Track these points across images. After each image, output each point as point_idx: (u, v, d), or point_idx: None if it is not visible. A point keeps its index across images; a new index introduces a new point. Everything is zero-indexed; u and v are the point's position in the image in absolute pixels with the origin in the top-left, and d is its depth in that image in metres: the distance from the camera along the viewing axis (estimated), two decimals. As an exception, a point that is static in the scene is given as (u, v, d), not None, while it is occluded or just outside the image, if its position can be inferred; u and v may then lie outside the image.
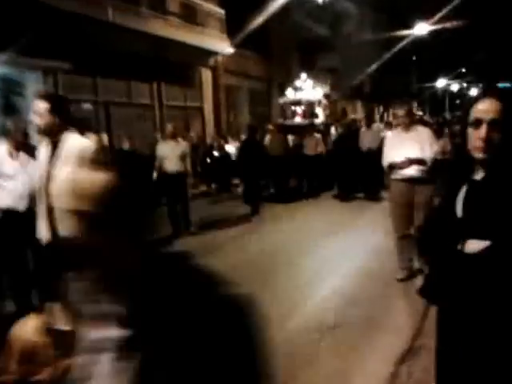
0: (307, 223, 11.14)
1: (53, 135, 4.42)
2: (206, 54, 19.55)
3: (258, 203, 12.49)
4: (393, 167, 6.65)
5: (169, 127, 10.68)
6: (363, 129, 14.49)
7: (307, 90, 21.20)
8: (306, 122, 19.38)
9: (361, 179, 14.12)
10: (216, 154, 16.77)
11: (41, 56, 12.47)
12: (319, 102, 21.22)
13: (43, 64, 12.74)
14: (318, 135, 15.85)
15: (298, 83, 21.52)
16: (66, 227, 1.58)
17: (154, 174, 10.27)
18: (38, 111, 4.36)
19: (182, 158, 10.13)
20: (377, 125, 16.71)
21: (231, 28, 20.57)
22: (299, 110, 20.66)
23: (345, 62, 31.46)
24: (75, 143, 4.33)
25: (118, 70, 15.21)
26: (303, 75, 21.72)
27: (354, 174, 14.04)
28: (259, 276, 7.10)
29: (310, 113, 20.37)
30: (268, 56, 24.83)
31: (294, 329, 5.46)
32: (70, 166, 3.41)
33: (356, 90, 34.11)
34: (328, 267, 7.71)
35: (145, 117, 16.81)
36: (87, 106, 14.79)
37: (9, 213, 5.87)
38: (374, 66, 32.97)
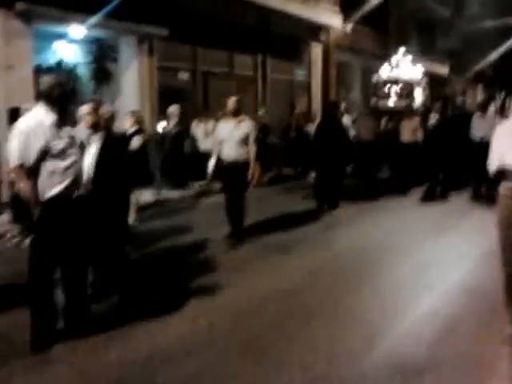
0: (395, 225, 9.25)
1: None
2: (317, 29, 18.38)
3: (334, 197, 10.50)
4: (503, 174, 4.47)
5: (231, 102, 7.88)
6: (477, 114, 12.08)
7: (405, 67, 18.67)
8: (403, 103, 17.21)
9: (466, 175, 12.12)
10: (292, 134, 15.11)
11: (136, 21, 11.90)
12: (419, 82, 18.59)
13: (138, 29, 12.14)
14: (416, 119, 13.55)
15: (394, 59, 18.81)
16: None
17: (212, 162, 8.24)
18: None
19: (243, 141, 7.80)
20: (492, 110, 13.97)
21: (346, 2, 19.23)
22: (395, 89, 18.16)
23: (466, 46, 29.44)
24: None
25: (220, 39, 14.43)
26: (401, 49, 18.99)
27: (458, 168, 12.03)
28: (331, 291, 5.94)
29: (407, 93, 17.96)
30: (385, 34, 23.30)
31: (371, 366, 4.15)
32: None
33: (477, 74, 32.13)
34: (420, 281, 6.25)
35: (246, 90, 15.88)
36: (184, 74, 14.07)
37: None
38: (497, 51, 30.64)
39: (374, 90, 18.66)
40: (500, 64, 32.24)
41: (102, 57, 12.94)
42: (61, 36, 11.82)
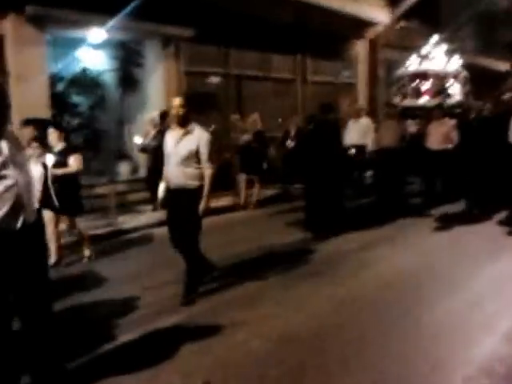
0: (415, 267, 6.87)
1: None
2: (361, 25, 17.00)
3: (327, 222, 8.64)
4: None
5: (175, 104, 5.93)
6: None
7: (438, 58, 15.23)
8: (434, 102, 13.70)
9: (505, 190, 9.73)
10: (290, 144, 11.92)
11: (160, 21, 11.01)
12: (456, 76, 15.18)
13: (163, 30, 11.23)
14: (449, 121, 11.20)
15: (425, 49, 15.41)
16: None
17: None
18: None
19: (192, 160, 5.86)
20: None
21: (394, -4, 17.79)
22: (425, 85, 14.81)
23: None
24: None
25: (253, 39, 13.32)
26: (434, 38, 15.67)
27: (494, 181, 9.80)
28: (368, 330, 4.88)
29: (440, 89, 14.71)
30: (437, 28, 21.79)
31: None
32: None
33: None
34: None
35: (284, 93, 14.77)
36: (215, 79, 13.05)
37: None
38: None
39: (399, 86, 15.61)
40: None
41: (127, 62, 12.13)
42: (80, 41, 11.03)
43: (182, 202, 5.68)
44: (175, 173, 5.70)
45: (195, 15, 11.51)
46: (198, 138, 5.69)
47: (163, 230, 6.76)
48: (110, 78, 12.51)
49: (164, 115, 10.22)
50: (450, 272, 6.46)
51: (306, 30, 14.72)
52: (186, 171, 5.65)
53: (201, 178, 5.68)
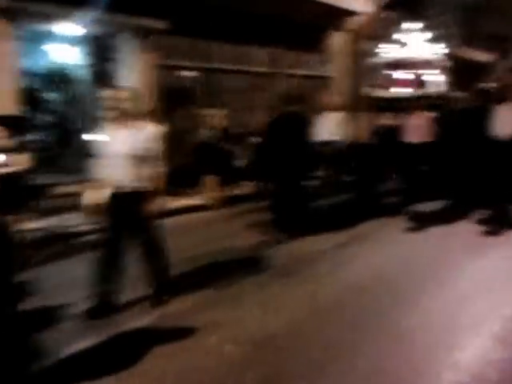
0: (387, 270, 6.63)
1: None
2: (341, 15, 16.64)
3: (292, 222, 8.26)
4: None
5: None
6: (502, 105, 8.95)
7: (418, 46, 14.23)
8: (413, 93, 13.17)
9: (486, 185, 9.33)
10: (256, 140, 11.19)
11: (134, 14, 10.69)
12: (437, 65, 14.52)
13: (136, 23, 10.93)
14: (427, 114, 10.67)
15: (403, 36, 14.50)
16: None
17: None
18: None
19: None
20: None
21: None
22: (403, 75, 14.04)
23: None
24: None
25: (230, 31, 13.07)
26: (414, 25, 14.76)
27: (474, 176, 9.47)
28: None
29: (419, 79, 13.97)
30: (420, 18, 21.62)
31: None
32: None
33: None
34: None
35: (262, 87, 14.48)
36: (190, 73, 12.73)
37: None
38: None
39: (375, 76, 14.73)
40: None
41: (100, 57, 11.81)
42: (52, 36, 10.73)
43: (130, 207, 5.19)
44: (122, 175, 5.13)
45: (170, 7, 11.21)
46: (148, 134, 5.23)
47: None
48: (82, 73, 12.20)
49: None
50: (429, 272, 6.33)
51: (284, 22, 14.42)
52: (136, 172, 5.12)
53: (152, 179, 5.22)
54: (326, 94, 11.74)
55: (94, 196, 5.26)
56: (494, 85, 14.72)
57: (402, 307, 5.25)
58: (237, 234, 8.54)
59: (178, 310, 5.36)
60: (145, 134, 5.20)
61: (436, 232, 8.35)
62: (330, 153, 10.75)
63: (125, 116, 5.19)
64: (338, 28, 17.00)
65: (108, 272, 5.24)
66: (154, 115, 10.23)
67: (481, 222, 8.72)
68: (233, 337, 4.67)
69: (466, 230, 8.40)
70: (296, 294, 5.74)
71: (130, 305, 5.44)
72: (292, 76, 15.56)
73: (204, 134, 10.85)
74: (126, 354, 4.44)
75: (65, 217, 8.99)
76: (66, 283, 6.10)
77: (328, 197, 10.79)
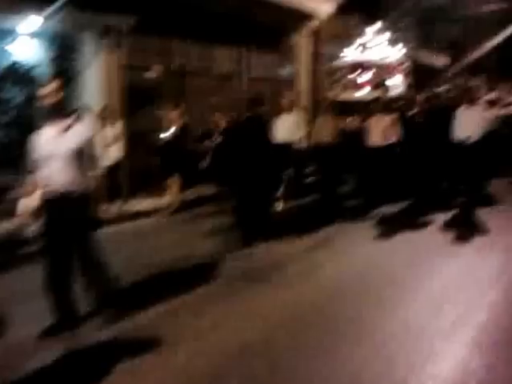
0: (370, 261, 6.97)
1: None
2: (304, 17, 16.66)
3: (253, 228, 8.00)
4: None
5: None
6: (462, 108, 9.06)
7: (379, 48, 14.03)
8: (374, 94, 12.74)
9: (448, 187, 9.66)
10: (216, 139, 10.85)
11: (99, 10, 10.39)
12: (398, 66, 14.16)
13: (101, 20, 10.61)
14: (389, 116, 10.47)
15: (366, 38, 14.28)
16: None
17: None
18: None
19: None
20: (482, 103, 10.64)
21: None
22: (364, 77, 13.77)
23: (467, 34, 27.96)
24: None
25: (196, 30, 12.90)
26: (375, 26, 14.48)
27: (437, 178, 9.75)
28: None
29: (380, 81, 13.72)
30: (380, 21, 21.83)
31: None
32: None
33: (479, 64, 30.64)
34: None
35: (227, 88, 14.28)
36: (156, 72, 12.43)
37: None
38: (499, 39, 29.12)
39: (336, 78, 14.36)
40: (504, 51, 30.96)
41: (63, 55, 11.41)
42: (11, 33, 10.30)
43: (66, 211, 4.71)
44: (56, 176, 4.67)
45: (136, 5, 10.97)
46: (83, 131, 4.80)
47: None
48: (44, 72, 11.76)
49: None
50: (400, 277, 6.28)
51: (248, 23, 14.30)
52: (71, 174, 4.68)
53: (89, 180, 4.82)
54: (285, 96, 11.49)
55: (28, 201, 5.00)
56: (448, 87, 14.81)
57: (377, 313, 5.18)
58: (198, 239, 8.29)
59: (139, 323, 5.02)
60: (81, 132, 4.80)
61: (400, 237, 8.24)
62: (290, 155, 10.63)
63: (58, 112, 4.78)
64: (300, 30, 16.96)
65: (57, 284, 4.80)
66: (106, 114, 9.96)
67: (446, 225, 8.71)
68: (202, 349, 4.43)
69: (431, 233, 8.42)
70: (268, 300, 5.56)
71: (88, 317, 5.06)
72: (255, 77, 15.40)
73: (164, 134, 10.50)
74: (86, 371, 4.15)
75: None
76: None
77: (290, 199, 10.64)
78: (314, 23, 17.47)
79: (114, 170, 9.94)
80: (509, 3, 27.22)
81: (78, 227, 4.80)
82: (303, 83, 17.32)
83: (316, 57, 17.87)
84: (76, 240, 4.84)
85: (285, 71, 17.07)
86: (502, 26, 28.69)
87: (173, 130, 10.35)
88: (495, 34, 28.71)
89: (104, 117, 10.13)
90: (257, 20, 14.25)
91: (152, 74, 12.36)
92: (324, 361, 4.18)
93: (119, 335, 4.74)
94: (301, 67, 17.35)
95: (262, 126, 8.41)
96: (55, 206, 4.74)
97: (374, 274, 6.38)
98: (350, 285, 6.01)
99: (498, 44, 29.17)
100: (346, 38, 18.43)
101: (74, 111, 4.90)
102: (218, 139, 10.68)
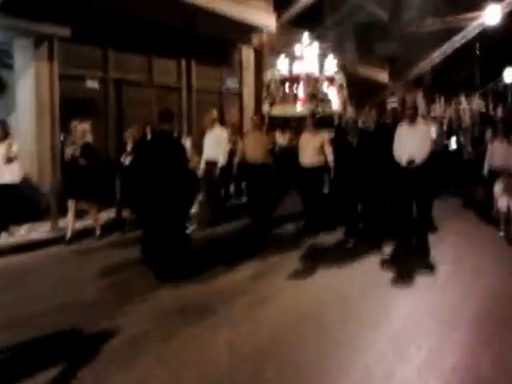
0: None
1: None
2: (248, 30, 16.43)
3: (168, 259, 6.98)
4: None
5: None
6: (403, 124, 8.20)
7: (311, 60, 13.08)
8: (306, 110, 11.70)
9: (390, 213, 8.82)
10: (124, 158, 9.87)
11: (33, 18, 9.89)
12: (332, 79, 13.05)
13: (35, 28, 10.07)
14: (321, 134, 9.80)
15: (297, 50, 13.42)
16: None
17: None
18: None
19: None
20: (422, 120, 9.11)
21: (279, 1, 17.42)
22: (295, 91, 12.69)
23: (405, 50, 28.46)
24: None
25: (136, 41, 12.46)
26: (304, 35, 13.74)
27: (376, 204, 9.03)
28: None
29: (312, 96, 12.56)
30: (321, 37, 21.81)
31: None
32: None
33: (416, 80, 31.23)
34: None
35: (168, 100, 13.84)
36: (92, 83, 11.88)
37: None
38: (436, 55, 29.88)
39: (268, 92, 13.21)
40: (440, 67, 31.76)
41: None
42: None
43: None
44: None
45: (72, 13, 10.52)
46: None
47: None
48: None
49: None
50: (354, 311, 5.84)
51: (192, 35, 13.97)
52: None
53: None
54: (209, 112, 10.91)
55: None
56: (393, 104, 14.32)
57: (336, 351, 4.73)
58: (102, 273, 7.27)
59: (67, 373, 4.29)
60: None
61: (338, 268, 7.48)
62: (212, 174, 10.04)
63: None
64: (245, 43, 16.74)
65: None
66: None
67: (387, 257, 8.01)
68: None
69: (375, 266, 7.66)
70: (212, 341, 4.96)
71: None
72: (201, 90, 15.07)
73: (67, 151, 9.28)
74: None
75: None
76: None
77: (213, 224, 9.94)
78: (259, 37, 17.29)
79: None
80: (443, 23, 28.03)
81: None
82: (247, 97, 17.07)
83: (260, 70, 17.64)
84: None
85: (229, 84, 16.76)
86: (438, 44, 29.46)
87: (75, 146, 9.16)
88: (431, 51, 29.45)
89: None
90: (200, 32, 13.93)
91: (94, 83, 11.77)
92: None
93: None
94: (245, 81, 17.10)
95: (169, 143, 7.34)
96: None
97: (330, 309, 5.83)
98: (297, 326, 5.38)
99: (433, 61, 29.95)
100: (287, 51, 18.19)
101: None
102: (127, 159, 9.62)
